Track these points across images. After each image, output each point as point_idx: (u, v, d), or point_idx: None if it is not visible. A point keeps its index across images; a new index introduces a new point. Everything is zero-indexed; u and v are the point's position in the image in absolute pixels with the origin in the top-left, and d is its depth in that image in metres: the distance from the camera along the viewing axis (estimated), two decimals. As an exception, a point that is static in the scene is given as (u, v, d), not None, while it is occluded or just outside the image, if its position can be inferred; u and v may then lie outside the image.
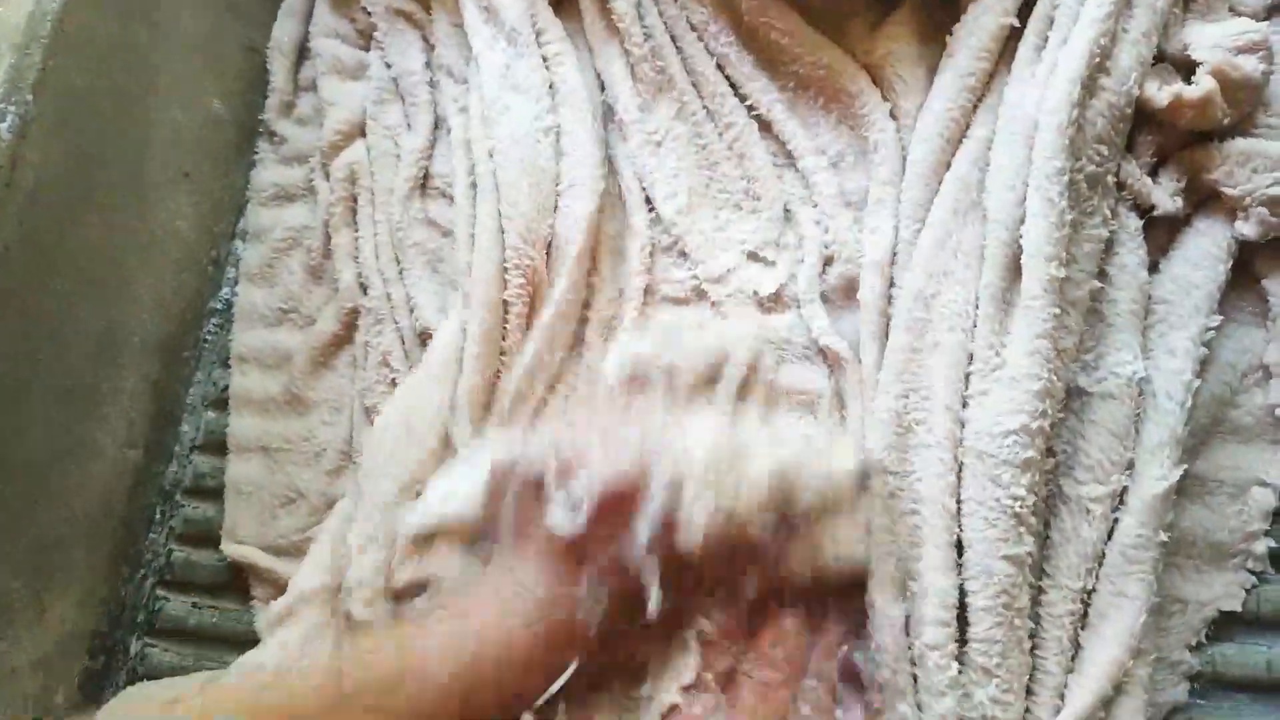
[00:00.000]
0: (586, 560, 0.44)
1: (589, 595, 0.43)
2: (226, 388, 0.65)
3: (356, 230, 0.65)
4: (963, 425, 0.49)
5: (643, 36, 0.62)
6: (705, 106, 0.61)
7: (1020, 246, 0.49)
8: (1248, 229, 0.51)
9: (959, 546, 0.48)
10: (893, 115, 0.58)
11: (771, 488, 0.43)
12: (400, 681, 0.42)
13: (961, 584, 0.47)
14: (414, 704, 0.41)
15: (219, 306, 0.68)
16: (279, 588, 0.58)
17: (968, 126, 0.55)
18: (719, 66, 0.61)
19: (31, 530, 0.56)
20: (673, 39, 0.62)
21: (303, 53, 0.71)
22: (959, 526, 0.48)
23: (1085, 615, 0.47)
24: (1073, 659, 0.47)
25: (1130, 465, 0.49)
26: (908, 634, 0.47)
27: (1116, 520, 0.48)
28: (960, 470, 0.48)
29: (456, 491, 0.50)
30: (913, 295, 0.52)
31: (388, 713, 0.41)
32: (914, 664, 0.47)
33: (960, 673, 0.46)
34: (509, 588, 0.45)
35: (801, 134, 0.60)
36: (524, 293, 0.57)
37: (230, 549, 0.61)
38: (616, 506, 0.43)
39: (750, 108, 0.60)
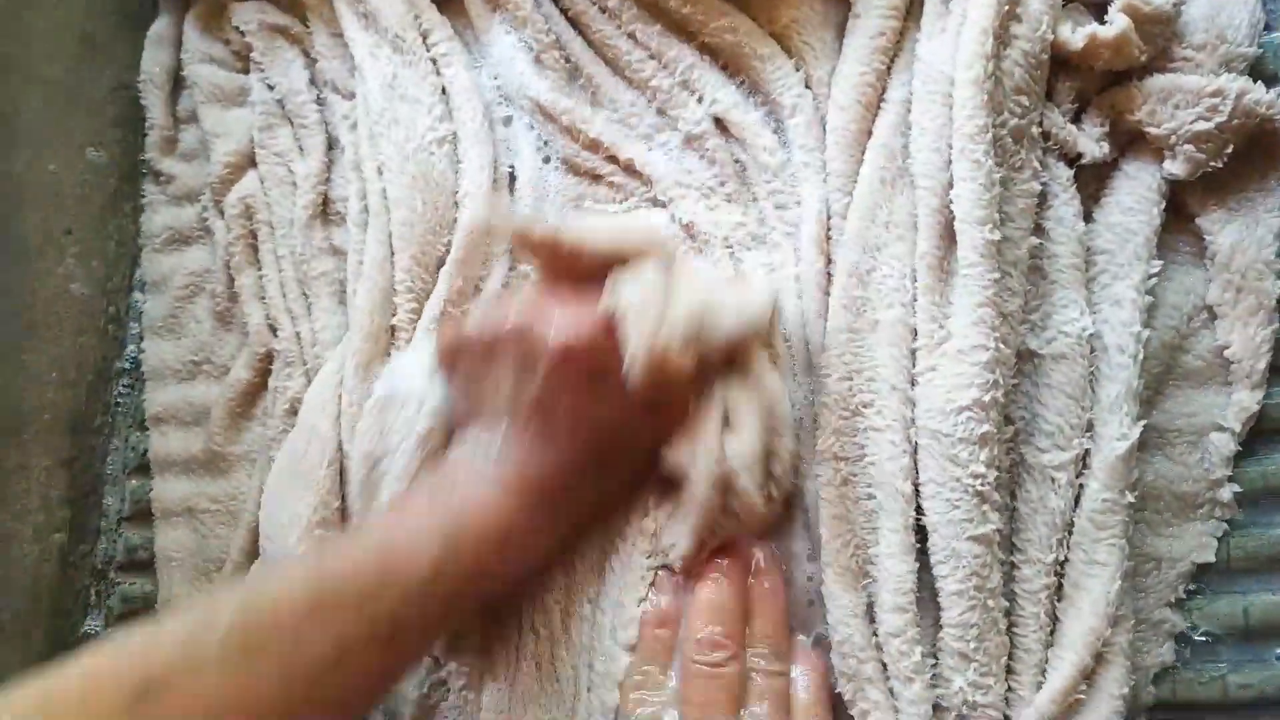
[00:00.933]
0: (549, 414, 0.44)
1: (555, 450, 0.45)
2: (146, 452, 0.62)
3: (260, 268, 0.61)
4: (913, 405, 0.47)
5: (544, 24, 0.58)
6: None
7: (952, 212, 0.48)
8: (1176, 167, 0.50)
9: (919, 530, 0.47)
10: (806, 84, 0.56)
11: (691, 316, 0.44)
12: (381, 579, 0.41)
13: (930, 568, 0.46)
14: (396, 603, 0.40)
15: (126, 366, 0.64)
16: None
17: (884, 90, 0.53)
18: (631, 37, 0.57)
19: (-46, 639, 0.52)
20: (572, 23, 0.59)
21: (178, 83, 0.66)
22: (917, 510, 0.47)
23: (1060, 588, 0.46)
24: (1051, 634, 0.46)
25: (1090, 426, 0.47)
26: (871, 621, 0.47)
27: (1082, 486, 0.47)
28: (915, 451, 0.47)
29: (407, 366, 0.52)
30: (847, 272, 0.50)
31: (371, 615, 0.40)
32: (880, 650, 0.46)
33: (936, 659, 0.45)
34: (478, 456, 0.45)
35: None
36: (416, 317, 0.55)
37: None
38: (573, 357, 0.44)
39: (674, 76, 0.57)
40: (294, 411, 0.57)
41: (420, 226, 0.55)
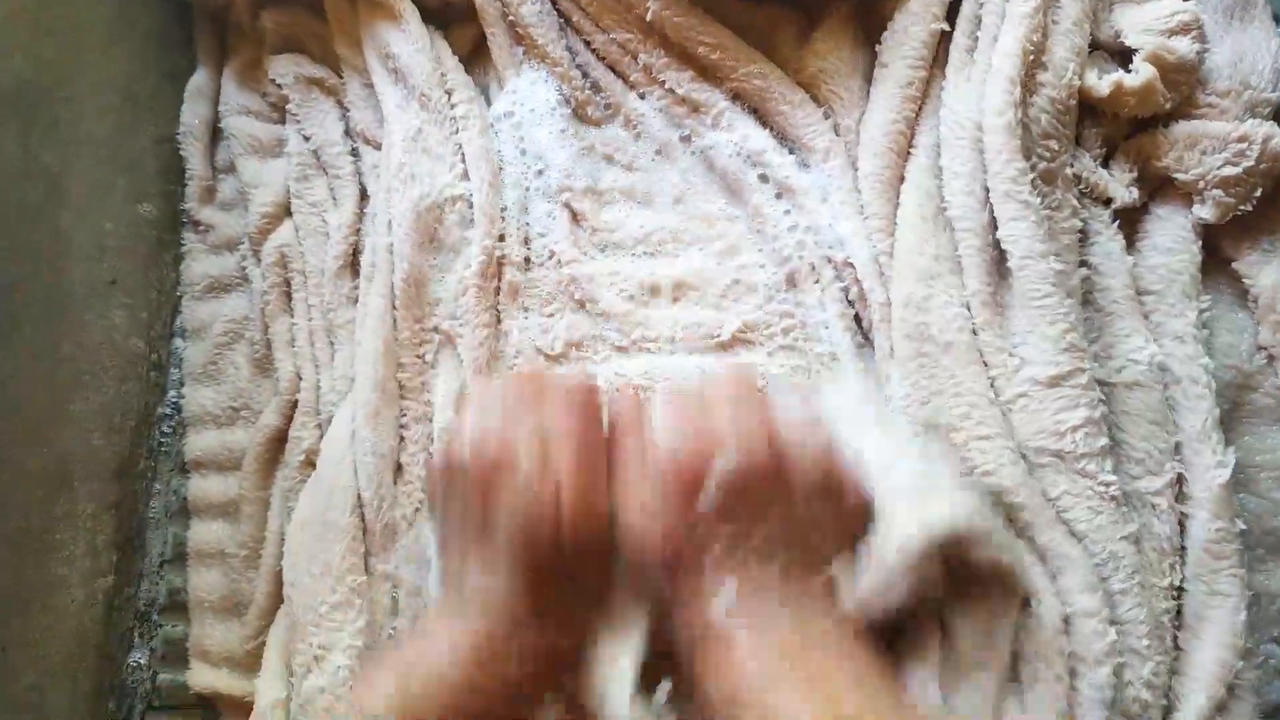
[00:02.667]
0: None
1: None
2: (187, 496, 0.63)
3: (293, 317, 0.62)
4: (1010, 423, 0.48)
5: (580, 74, 0.60)
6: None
7: (1000, 250, 0.49)
8: (1205, 212, 0.50)
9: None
10: (835, 131, 0.56)
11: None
12: None
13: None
14: None
15: (168, 411, 0.65)
16: (249, 708, 0.56)
17: (913, 136, 0.54)
18: (662, 84, 0.59)
19: (4, 685, 0.53)
20: (610, 68, 0.60)
21: (216, 134, 0.68)
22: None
23: (1179, 615, 0.47)
24: (1174, 662, 0.46)
25: (1177, 450, 0.48)
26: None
27: (1185, 515, 0.47)
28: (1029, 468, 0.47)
29: None
30: (903, 303, 0.50)
31: None
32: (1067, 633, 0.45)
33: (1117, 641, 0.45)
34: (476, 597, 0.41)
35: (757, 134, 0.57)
36: (420, 373, 0.57)
37: (196, 680, 0.59)
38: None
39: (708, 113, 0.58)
40: (310, 462, 0.58)
41: (422, 286, 0.57)
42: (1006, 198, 0.48)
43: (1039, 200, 0.48)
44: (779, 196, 0.56)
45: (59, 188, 0.59)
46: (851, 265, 0.53)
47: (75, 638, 0.58)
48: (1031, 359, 0.47)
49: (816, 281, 0.54)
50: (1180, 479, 0.48)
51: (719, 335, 0.55)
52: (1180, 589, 0.47)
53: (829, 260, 0.54)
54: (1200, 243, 0.50)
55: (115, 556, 0.61)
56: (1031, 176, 0.48)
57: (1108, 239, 0.50)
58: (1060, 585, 0.46)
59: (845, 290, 0.54)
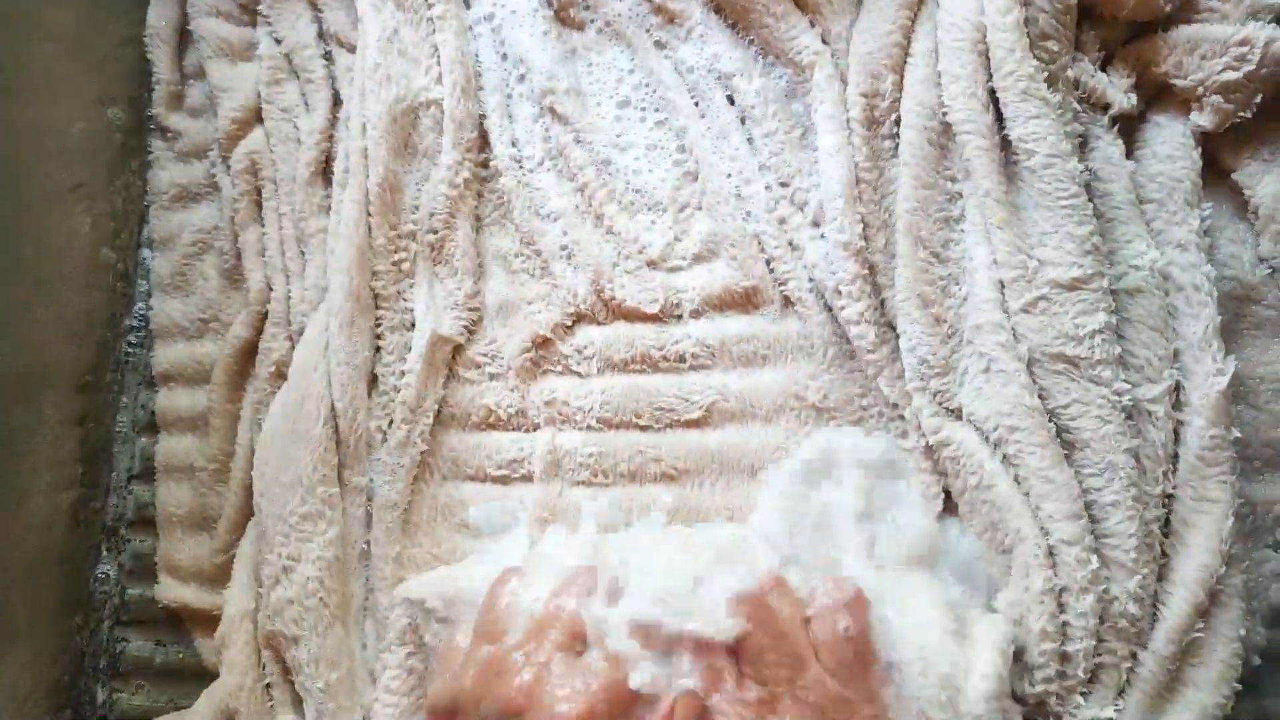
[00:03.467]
0: None
1: None
2: (155, 411, 0.61)
3: (263, 226, 0.60)
4: (1015, 332, 0.47)
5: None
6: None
7: (1016, 152, 0.48)
8: (1204, 119, 0.49)
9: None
10: (823, 40, 0.54)
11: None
12: None
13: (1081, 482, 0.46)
14: None
15: (135, 323, 0.63)
16: (217, 622, 0.55)
17: (909, 44, 0.52)
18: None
19: (-34, 593, 0.52)
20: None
21: (185, 37, 0.65)
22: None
23: (1168, 524, 0.46)
24: (1161, 569, 0.46)
25: (1176, 358, 0.47)
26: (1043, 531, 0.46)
27: (1180, 423, 0.46)
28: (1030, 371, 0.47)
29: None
30: (912, 241, 0.49)
31: None
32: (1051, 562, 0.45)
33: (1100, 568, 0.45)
34: None
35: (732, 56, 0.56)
36: (395, 281, 0.56)
37: (164, 594, 0.58)
38: None
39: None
40: (280, 374, 0.56)
41: (397, 192, 0.55)
42: (1025, 96, 0.47)
43: (1058, 98, 0.46)
44: (743, 122, 0.55)
45: (17, 80, 0.56)
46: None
47: (39, 550, 0.56)
48: (1052, 260, 0.46)
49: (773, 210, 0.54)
50: (1178, 387, 0.47)
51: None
52: (1169, 496, 0.46)
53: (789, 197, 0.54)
54: (1200, 150, 0.49)
55: (81, 470, 0.59)
56: (1046, 75, 0.47)
57: (1107, 144, 0.49)
58: (1042, 514, 0.46)
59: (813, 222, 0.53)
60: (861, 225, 0.50)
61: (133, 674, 0.59)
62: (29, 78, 0.57)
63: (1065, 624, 0.45)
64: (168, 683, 0.58)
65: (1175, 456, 0.46)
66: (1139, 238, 0.48)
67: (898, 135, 0.51)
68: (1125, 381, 0.46)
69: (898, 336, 0.50)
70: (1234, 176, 0.49)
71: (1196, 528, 0.45)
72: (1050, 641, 0.44)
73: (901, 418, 0.50)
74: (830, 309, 0.52)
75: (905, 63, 0.52)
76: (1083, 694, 0.45)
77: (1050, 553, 0.45)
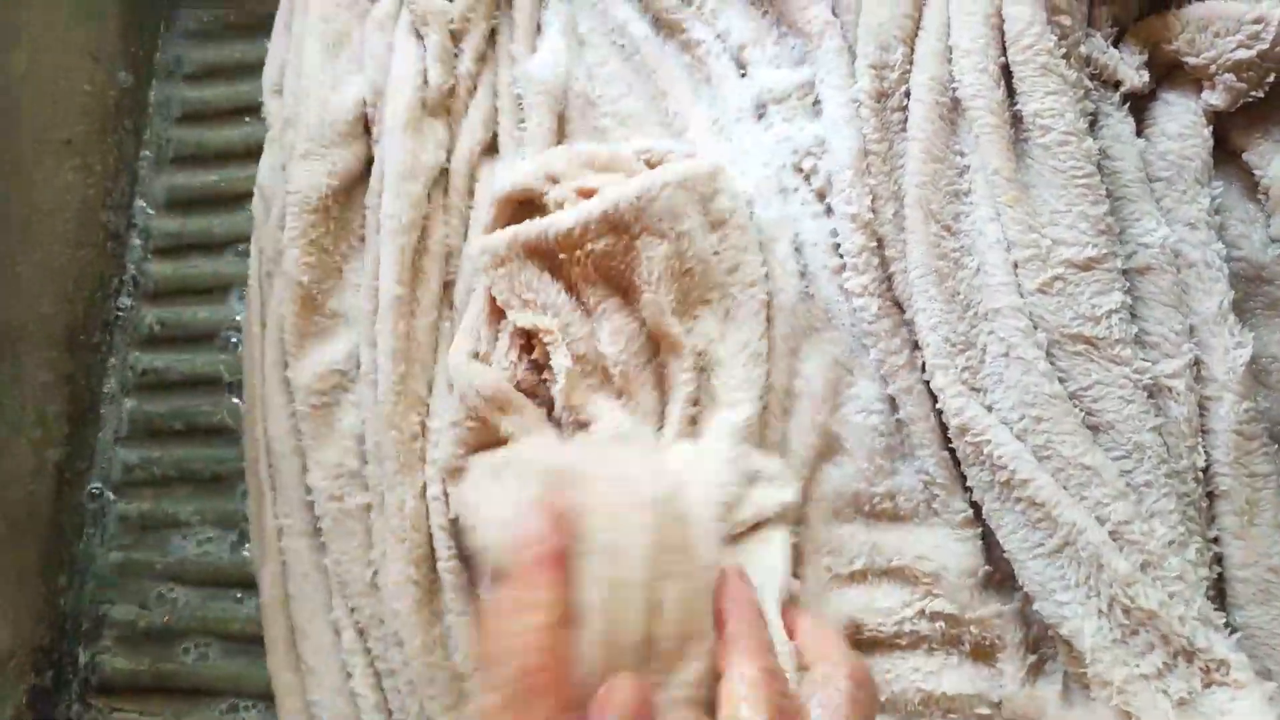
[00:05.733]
0: None
1: None
2: (145, 372, 0.60)
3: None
4: (1031, 315, 0.46)
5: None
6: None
7: (1026, 127, 0.47)
8: (1215, 98, 0.48)
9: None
10: (833, 11, 0.54)
11: None
12: None
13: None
14: None
15: (127, 282, 0.62)
16: None
17: (920, 15, 0.51)
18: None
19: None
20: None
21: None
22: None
23: (1211, 499, 0.46)
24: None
25: (1191, 334, 0.46)
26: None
27: (1207, 399, 0.46)
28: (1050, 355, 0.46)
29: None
30: (923, 219, 0.48)
31: None
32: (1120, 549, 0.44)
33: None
34: None
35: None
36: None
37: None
38: None
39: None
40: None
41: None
42: (1044, 71, 0.46)
43: (1073, 75, 0.46)
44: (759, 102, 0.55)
45: (10, 25, 0.55)
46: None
47: (23, 507, 0.55)
48: (1065, 240, 0.46)
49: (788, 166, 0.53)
50: (1197, 362, 0.46)
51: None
52: (1204, 470, 0.46)
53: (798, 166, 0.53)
54: (1211, 130, 0.49)
55: (67, 429, 0.58)
56: (1064, 51, 0.46)
57: (1118, 121, 0.49)
58: (1088, 501, 0.44)
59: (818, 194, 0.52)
60: (870, 198, 0.50)
61: (117, 639, 0.58)
62: (21, 22, 0.56)
63: (1170, 593, 0.43)
64: (154, 646, 0.57)
65: (1200, 431, 0.46)
66: (1149, 215, 0.47)
67: (907, 108, 0.51)
68: (1144, 360, 0.46)
69: (901, 311, 0.50)
70: (1244, 156, 0.49)
71: (1261, 506, 0.45)
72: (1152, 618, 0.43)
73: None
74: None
75: (916, 35, 0.51)
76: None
77: (1114, 536, 0.44)
